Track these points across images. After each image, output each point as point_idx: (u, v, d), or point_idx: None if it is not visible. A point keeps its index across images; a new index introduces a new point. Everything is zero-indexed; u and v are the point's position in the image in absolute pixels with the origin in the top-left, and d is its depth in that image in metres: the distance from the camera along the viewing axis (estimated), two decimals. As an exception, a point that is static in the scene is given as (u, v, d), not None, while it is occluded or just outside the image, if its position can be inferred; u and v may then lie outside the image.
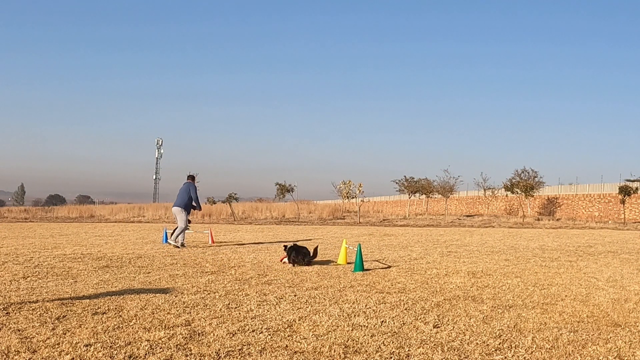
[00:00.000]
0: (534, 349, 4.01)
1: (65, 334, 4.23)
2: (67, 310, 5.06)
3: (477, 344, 4.14)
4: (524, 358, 3.83)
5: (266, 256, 10.26)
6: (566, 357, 3.84)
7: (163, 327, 4.51)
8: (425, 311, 5.25)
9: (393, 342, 4.14)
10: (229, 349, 3.92)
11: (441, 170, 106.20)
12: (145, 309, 5.20)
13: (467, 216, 39.99)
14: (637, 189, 32.81)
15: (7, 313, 4.95)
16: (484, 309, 5.37)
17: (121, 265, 8.68)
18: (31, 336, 4.17)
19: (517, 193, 36.24)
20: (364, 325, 4.64)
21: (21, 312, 4.98)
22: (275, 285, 6.71)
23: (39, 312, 4.97)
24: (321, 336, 4.29)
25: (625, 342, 4.22)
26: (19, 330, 4.33)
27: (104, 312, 5.02)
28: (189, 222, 12.42)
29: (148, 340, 4.09)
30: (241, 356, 3.77)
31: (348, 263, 9.07)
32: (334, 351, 3.89)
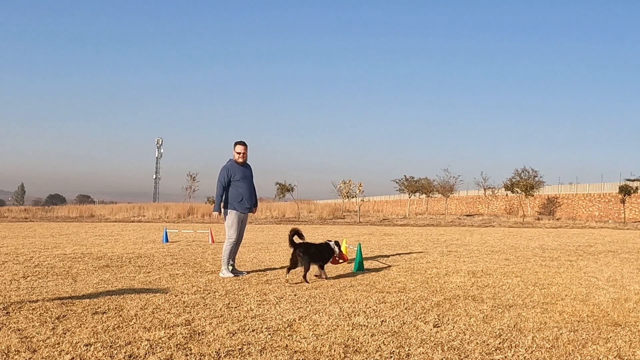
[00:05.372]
0: (534, 349, 4.01)
1: (65, 334, 4.23)
2: (67, 310, 5.06)
3: (477, 343, 4.14)
4: (524, 357, 3.83)
5: (266, 256, 10.26)
6: (566, 357, 3.84)
7: (163, 326, 4.51)
8: (425, 311, 5.24)
9: (393, 341, 4.14)
10: (229, 348, 3.91)
11: (441, 169, 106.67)
12: (145, 308, 5.20)
13: (467, 216, 39.97)
14: (637, 188, 32.82)
15: (7, 313, 4.95)
16: (484, 309, 5.37)
17: (121, 264, 8.68)
18: (31, 336, 4.17)
19: (517, 192, 36.26)
20: (364, 325, 4.63)
21: (21, 312, 4.98)
22: (275, 285, 6.71)
23: (39, 312, 4.97)
24: (321, 336, 4.28)
25: (625, 342, 4.22)
26: (19, 330, 4.33)
27: (104, 312, 5.02)
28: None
29: (148, 340, 4.09)
30: (241, 356, 3.77)
31: (348, 262, 9.07)
32: (334, 351, 3.88)
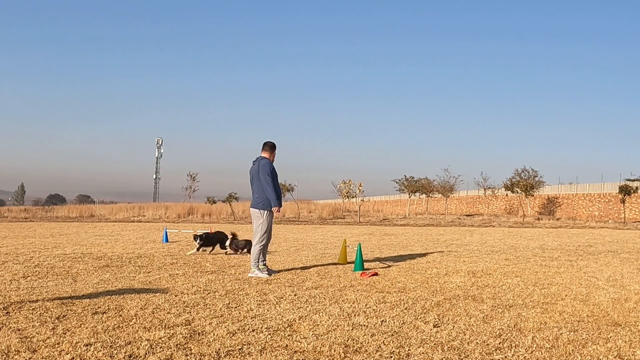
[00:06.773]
0: (534, 349, 4.01)
1: (65, 334, 4.23)
2: (67, 310, 5.06)
3: (477, 343, 4.14)
4: (524, 357, 3.83)
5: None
6: (566, 357, 3.84)
7: (163, 326, 4.51)
8: (425, 310, 5.24)
9: (393, 341, 4.14)
10: (229, 348, 3.91)
11: (441, 169, 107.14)
12: (145, 308, 5.20)
13: (467, 215, 39.99)
14: (637, 188, 32.81)
15: (7, 313, 4.95)
16: (484, 309, 5.37)
17: (121, 264, 8.68)
18: (31, 336, 4.17)
19: (517, 192, 36.26)
20: (364, 325, 4.63)
21: (21, 312, 4.98)
22: (276, 285, 6.71)
23: (39, 312, 4.97)
24: (321, 336, 4.28)
25: (625, 342, 4.22)
26: (19, 330, 4.33)
27: (104, 312, 5.02)
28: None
29: (148, 340, 4.09)
30: (241, 356, 3.77)
31: (348, 262, 9.07)
32: (334, 351, 3.88)
